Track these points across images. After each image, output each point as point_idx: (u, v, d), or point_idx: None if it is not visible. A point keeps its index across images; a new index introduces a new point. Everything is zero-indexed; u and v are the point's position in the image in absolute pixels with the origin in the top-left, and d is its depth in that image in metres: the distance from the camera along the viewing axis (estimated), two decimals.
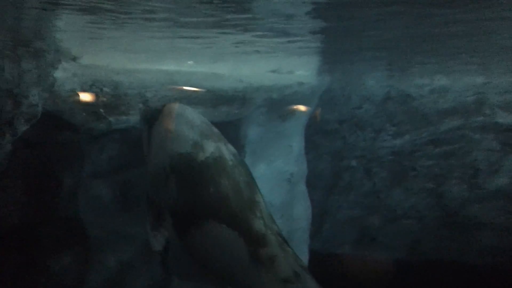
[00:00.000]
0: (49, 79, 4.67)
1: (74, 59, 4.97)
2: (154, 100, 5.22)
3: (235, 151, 4.53)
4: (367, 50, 5.70)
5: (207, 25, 4.14)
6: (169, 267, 6.00)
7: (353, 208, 7.94)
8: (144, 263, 5.76)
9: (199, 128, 4.43)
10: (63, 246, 5.57)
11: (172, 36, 4.53)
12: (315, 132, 7.69)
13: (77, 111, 4.95)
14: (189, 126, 4.41)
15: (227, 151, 4.40)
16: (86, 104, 4.96)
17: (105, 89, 5.00)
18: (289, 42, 4.89)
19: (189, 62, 5.98)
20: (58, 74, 4.74)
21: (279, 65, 6.39)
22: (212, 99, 5.65)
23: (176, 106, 4.60)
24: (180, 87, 5.48)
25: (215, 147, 4.33)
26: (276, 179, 6.45)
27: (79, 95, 4.88)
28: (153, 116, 4.65)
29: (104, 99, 5.02)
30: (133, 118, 5.17)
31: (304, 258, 6.68)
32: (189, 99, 5.45)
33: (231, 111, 5.88)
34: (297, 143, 6.75)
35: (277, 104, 6.25)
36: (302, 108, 6.67)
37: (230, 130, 5.57)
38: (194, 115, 4.58)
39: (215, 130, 4.57)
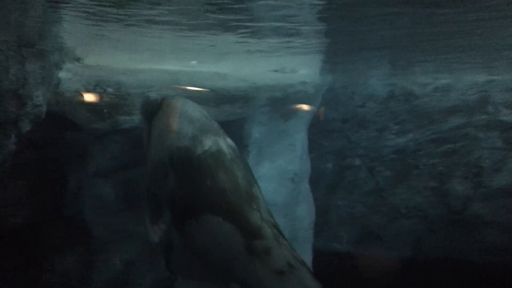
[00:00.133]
0: (53, 80, 4.69)
1: (78, 59, 4.99)
2: None
3: (234, 145, 4.56)
4: (370, 49, 5.70)
5: (211, 26, 4.16)
6: (173, 267, 6.04)
7: (357, 206, 7.94)
8: (148, 263, 5.78)
9: (198, 122, 4.45)
10: (67, 246, 5.58)
11: (175, 36, 4.54)
12: (318, 131, 7.69)
13: (81, 111, 4.98)
14: (188, 120, 4.43)
15: (225, 145, 4.43)
16: (90, 104, 4.98)
17: (109, 89, 5.02)
18: (292, 41, 4.89)
19: (192, 62, 5.99)
20: (62, 74, 4.77)
21: (282, 64, 6.40)
22: (215, 98, 5.66)
23: (176, 100, 4.62)
24: (183, 86, 5.49)
25: (213, 141, 4.36)
26: (280, 178, 6.46)
27: (83, 96, 4.91)
28: (152, 110, 4.67)
29: (108, 99, 5.04)
30: (137, 118, 5.19)
31: (308, 257, 6.69)
32: (192, 98, 5.45)
33: (234, 111, 5.89)
34: (300, 142, 6.75)
35: (280, 103, 6.25)
36: (305, 107, 6.67)
37: (233, 129, 5.58)
38: (193, 108, 4.59)
39: (215, 123, 4.59)
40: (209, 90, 5.62)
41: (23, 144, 4.72)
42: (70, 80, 4.81)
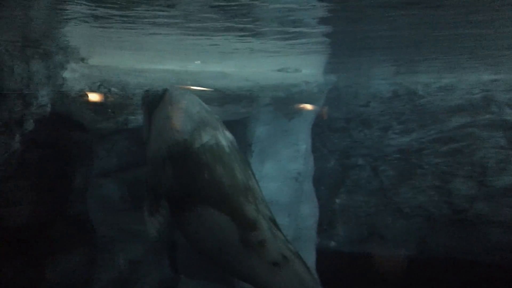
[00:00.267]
0: (58, 80, 4.71)
1: (82, 59, 5.01)
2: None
3: (232, 138, 4.59)
4: (373, 49, 5.69)
5: (215, 28, 4.17)
6: (177, 266, 6.05)
7: (360, 206, 7.94)
8: (152, 262, 5.80)
9: (198, 115, 4.47)
10: (72, 245, 5.61)
11: (179, 37, 4.55)
12: (322, 131, 7.70)
13: (86, 111, 4.99)
14: (188, 113, 4.45)
15: (223, 138, 4.46)
16: (95, 104, 5.00)
17: (113, 89, 5.03)
18: (296, 41, 4.89)
19: (196, 62, 6.00)
20: (67, 74, 4.79)
21: (286, 64, 6.40)
22: (219, 98, 5.67)
23: (176, 92, 4.65)
24: (187, 86, 5.50)
25: (212, 134, 4.39)
26: (283, 177, 6.46)
27: (87, 95, 4.92)
28: (153, 102, 4.69)
29: (112, 99, 5.06)
30: (141, 118, 5.20)
31: (311, 256, 6.70)
32: None
33: (238, 110, 5.90)
34: (304, 142, 6.75)
35: (284, 103, 6.26)
36: (309, 106, 6.67)
37: (237, 128, 5.59)
38: (193, 101, 4.61)
39: (214, 116, 4.61)
40: (213, 89, 5.63)
41: (28, 143, 4.75)
42: (75, 80, 4.82)
